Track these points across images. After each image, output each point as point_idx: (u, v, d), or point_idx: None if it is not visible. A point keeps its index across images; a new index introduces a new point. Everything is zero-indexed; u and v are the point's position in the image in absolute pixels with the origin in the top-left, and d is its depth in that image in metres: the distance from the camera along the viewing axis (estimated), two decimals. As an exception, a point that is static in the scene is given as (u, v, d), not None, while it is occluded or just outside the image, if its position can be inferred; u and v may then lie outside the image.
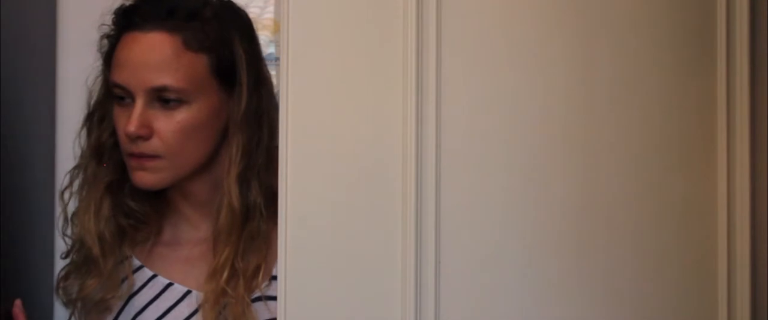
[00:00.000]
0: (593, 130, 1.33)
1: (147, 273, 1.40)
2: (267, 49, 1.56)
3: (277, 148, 1.24)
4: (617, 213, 1.33)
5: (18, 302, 1.47)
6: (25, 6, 1.62)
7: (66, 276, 1.43)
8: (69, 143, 1.76)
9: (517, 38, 1.31)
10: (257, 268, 1.37)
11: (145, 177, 1.31)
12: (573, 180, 1.32)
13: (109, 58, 1.37)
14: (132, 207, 1.39)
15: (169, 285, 1.38)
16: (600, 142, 1.33)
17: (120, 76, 1.32)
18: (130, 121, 1.30)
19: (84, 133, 1.41)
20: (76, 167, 1.42)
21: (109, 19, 1.38)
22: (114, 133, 1.37)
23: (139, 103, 1.30)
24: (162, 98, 1.30)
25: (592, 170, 1.32)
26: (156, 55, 1.30)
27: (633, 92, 1.34)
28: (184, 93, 1.30)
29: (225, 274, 1.34)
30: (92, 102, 1.41)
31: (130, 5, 1.35)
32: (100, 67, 1.41)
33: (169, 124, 1.30)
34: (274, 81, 1.52)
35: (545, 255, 1.31)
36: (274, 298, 1.28)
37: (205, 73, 1.33)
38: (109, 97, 1.37)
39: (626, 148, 1.34)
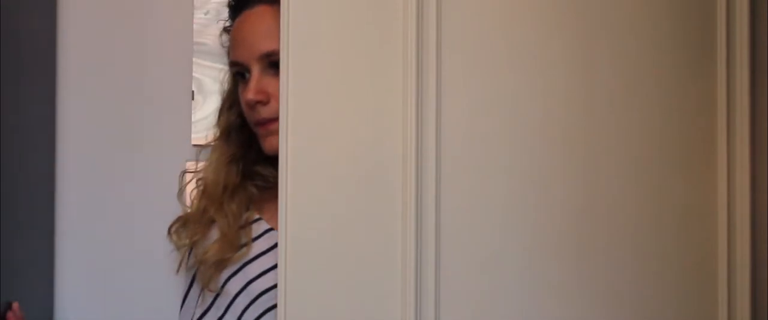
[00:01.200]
0: (594, 132, 1.33)
1: (263, 225, 1.50)
2: (267, 49, 1.57)
3: None
4: (617, 215, 1.33)
5: (15, 305, 1.47)
6: (25, 6, 1.62)
7: (184, 223, 1.55)
8: (69, 143, 1.78)
9: (517, 40, 1.30)
10: None
11: (275, 141, 1.37)
12: (573, 182, 1.32)
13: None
14: (261, 173, 1.50)
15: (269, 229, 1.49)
16: (600, 144, 1.33)
17: (235, 54, 1.46)
18: (247, 89, 1.42)
19: (217, 119, 1.55)
20: (208, 148, 1.56)
21: (225, 14, 1.54)
22: (241, 113, 1.49)
23: (255, 72, 1.42)
24: (274, 64, 1.39)
25: (592, 172, 1.32)
26: (262, 25, 1.43)
27: (633, 94, 1.34)
28: None
29: None
30: (224, 88, 1.56)
31: None
32: (227, 62, 1.53)
33: None
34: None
35: (545, 257, 1.31)
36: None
37: None
38: (236, 83, 1.49)
39: (627, 150, 1.34)
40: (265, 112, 1.42)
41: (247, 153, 1.52)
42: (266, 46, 1.41)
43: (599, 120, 1.32)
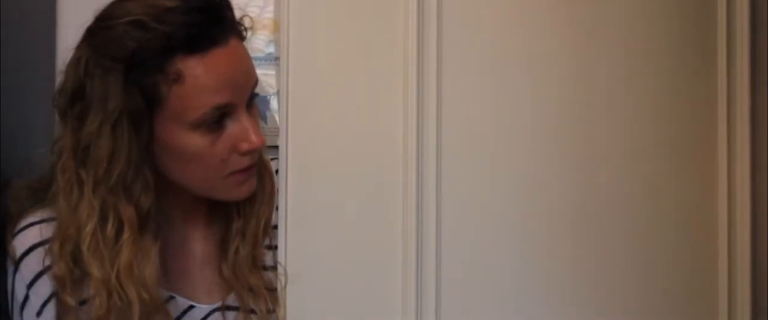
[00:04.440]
0: (594, 131, 1.33)
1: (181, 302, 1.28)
2: (267, 48, 1.55)
3: None
4: (618, 215, 1.33)
5: None
6: (25, 6, 1.62)
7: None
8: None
9: (518, 40, 1.30)
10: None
11: (253, 184, 1.25)
12: (574, 181, 1.32)
13: (157, 96, 1.18)
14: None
15: (171, 297, 1.27)
16: (601, 143, 1.33)
17: (224, 97, 1.18)
18: (252, 133, 1.20)
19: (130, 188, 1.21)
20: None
21: (148, 54, 1.16)
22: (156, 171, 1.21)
23: (244, 114, 1.21)
24: (250, 102, 1.23)
25: (593, 171, 1.32)
26: (247, 61, 1.23)
27: (633, 93, 1.34)
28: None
29: (239, 264, 1.29)
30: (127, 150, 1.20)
31: (195, 23, 1.17)
32: (115, 115, 1.18)
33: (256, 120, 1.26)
34: (273, 80, 1.52)
35: (546, 257, 1.31)
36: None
37: None
38: (190, 128, 1.20)
39: (627, 150, 1.34)
40: (255, 156, 1.24)
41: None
42: (253, 79, 1.23)
43: (599, 119, 1.32)
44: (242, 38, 1.23)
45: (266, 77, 1.55)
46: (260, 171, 1.29)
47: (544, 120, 1.30)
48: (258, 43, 1.55)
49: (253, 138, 1.20)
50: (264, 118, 1.56)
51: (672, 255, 1.35)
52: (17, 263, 1.22)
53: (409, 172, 1.25)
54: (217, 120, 1.20)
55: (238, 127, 1.21)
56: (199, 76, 1.17)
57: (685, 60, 1.37)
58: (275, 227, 1.28)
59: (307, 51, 1.26)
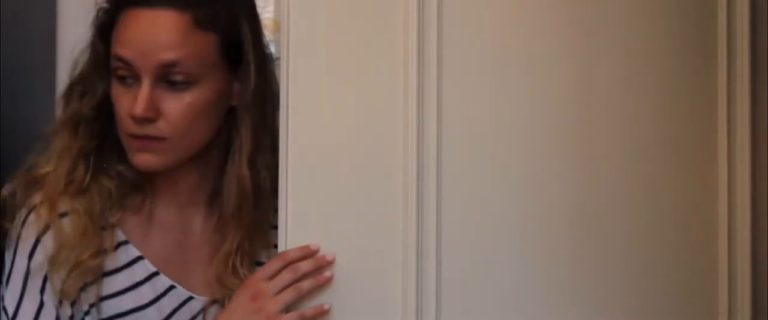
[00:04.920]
0: (594, 131, 1.32)
1: (132, 252, 1.33)
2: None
3: (278, 128, 1.23)
4: (618, 215, 1.33)
5: None
6: (25, 6, 1.62)
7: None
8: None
9: (518, 40, 1.30)
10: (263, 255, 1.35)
11: (149, 159, 1.27)
12: (574, 181, 1.32)
13: (104, 32, 1.32)
14: (121, 171, 1.33)
15: (155, 274, 1.33)
16: (601, 143, 1.33)
17: (126, 52, 1.26)
18: (136, 102, 1.25)
19: (61, 103, 1.35)
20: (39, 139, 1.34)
21: (107, 12, 1.33)
22: (96, 107, 1.32)
23: (146, 83, 1.25)
24: (169, 79, 1.26)
25: (593, 171, 1.32)
26: (167, 33, 1.26)
27: (633, 93, 1.34)
28: (193, 73, 1.27)
29: (238, 263, 1.32)
30: (76, 73, 1.35)
31: None
32: (89, 39, 1.34)
33: (177, 105, 1.26)
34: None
35: (547, 257, 1.31)
36: None
37: (214, 53, 1.29)
38: (100, 73, 1.32)
39: (628, 150, 1.34)
40: (151, 130, 1.26)
41: (100, 148, 1.33)
42: (167, 56, 1.25)
43: (600, 119, 1.32)
44: (188, 15, 1.26)
45: (266, 77, 1.55)
46: (228, 191, 1.32)
47: (544, 120, 1.30)
48: (258, 43, 1.55)
49: (136, 107, 1.24)
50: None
51: (672, 255, 1.35)
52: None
53: (409, 172, 1.24)
54: (122, 76, 1.27)
55: (135, 92, 1.25)
56: (120, 25, 1.28)
57: (685, 60, 1.36)
58: (275, 227, 1.28)
59: (307, 51, 1.25)
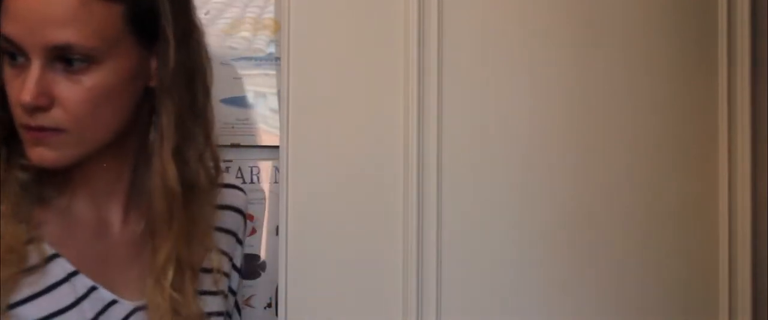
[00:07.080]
0: (594, 131, 1.33)
1: (46, 250, 1.11)
2: (267, 49, 1.55)
3: (211, 108, 1.07)
4: (619, 215, 1.33)
5: None
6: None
7: None
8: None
9: (518, 41, 1.31)
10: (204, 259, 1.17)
11: (46, 155, 1.07)
12: (574, 181, 1.32)
13: None
14: (27, 165, 1.12)
15: (74, 273, 1.12)
16: (601, 143, 1.33)
17: (12, 29, 1.06)
18: (24, 88, 1.05)
19: None
20: None
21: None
22: None
23: (36, 66, 1.04)
24: (65, 58, 1.05)
25: (593, 171, 1.32)
26: (58, 6, 1.04)
27: (633, 93, 1.34)
28: (93, 52, 1.06)
29: (170, 275, 1.13)
30: None
31: None
32: None
33: (74, 90, 1.06)
34: (274, 80, 1.51)
35: (546, 257, 1.31)
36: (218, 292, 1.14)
37: (120, 25, 1.07)
38: None
39: (628, 150, 1.34)
40: (44, 120, 1.06)
41: (12, 138, 1.11)
42: (60, 37, 1.04)
43: (600, 119, 1.32)
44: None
45: (266, 77, 1.55)
46: (152, 189, 1.13)
47: (544, 120, 1.30)
48: (258, 43, 1.55)
49: (24, 93, 1.05)
50: (265, 118, 1.55)
51: (672, 255, 1.35)
52: None
53: (410, 172, 1.25)
54: (12, 55, 1.07)
55: (25, 76, 1.06)
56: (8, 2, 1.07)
57: (685, 60, 1.37)
58: (218, 229, 1.15)
59: (307, 51, 1.26)
